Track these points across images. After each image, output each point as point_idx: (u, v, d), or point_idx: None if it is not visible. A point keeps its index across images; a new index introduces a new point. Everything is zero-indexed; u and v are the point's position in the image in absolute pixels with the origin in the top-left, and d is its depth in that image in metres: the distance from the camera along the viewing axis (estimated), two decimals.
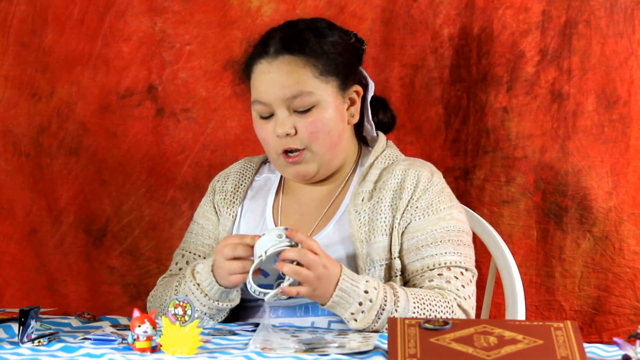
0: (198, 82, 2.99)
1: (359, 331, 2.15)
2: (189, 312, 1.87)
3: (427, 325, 1.87)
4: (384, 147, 2.42)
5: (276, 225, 2.38)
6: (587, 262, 2.82)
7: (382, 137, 2.44)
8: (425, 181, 2.32)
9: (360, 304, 2.11)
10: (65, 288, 3.05)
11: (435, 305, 2.18)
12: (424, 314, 2.16)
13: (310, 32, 2.36)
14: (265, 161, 2.53)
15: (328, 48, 2.34)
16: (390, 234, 2.28)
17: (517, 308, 2.52)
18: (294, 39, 2.34)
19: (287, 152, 2.33)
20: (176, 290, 2.29)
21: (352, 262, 2.28)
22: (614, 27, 2.79)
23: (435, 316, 2.17)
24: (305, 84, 2.30)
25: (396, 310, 2.13)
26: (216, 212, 2.46)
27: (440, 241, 2.27)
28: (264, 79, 2.32)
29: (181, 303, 1.87)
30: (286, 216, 2.40)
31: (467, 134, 2.88)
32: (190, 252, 2.46)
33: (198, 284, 2.23)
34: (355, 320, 2.12)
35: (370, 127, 2.45)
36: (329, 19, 2.57)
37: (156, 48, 3.00)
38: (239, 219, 2.43)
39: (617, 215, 2.80)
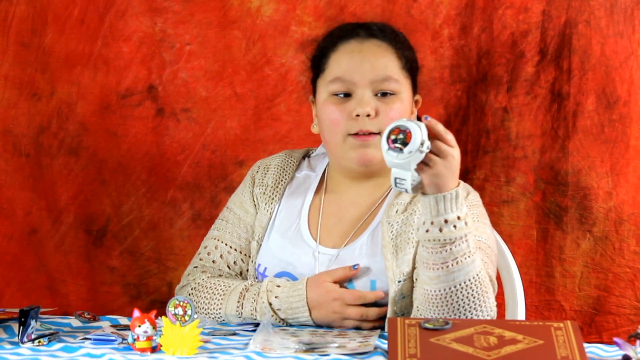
0: (198, 82, 2.99)
1: (360, 329, 2.16)
2: (189, 312, 1.86)
3: (427, 325, 1.87)
4: None
5: (310, 233, 2.36)
6: (587, 262, 2.83)
7: None
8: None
9: (459, 218, 2.05)
10: (65, 288, 3.05)
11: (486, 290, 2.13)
12: (477, 288, 2.10)
13: (397, 31, 2.40)
14: (305, 156, 2.50)
15: (410, 50, 2.39)
16: (416, 245, 2.20)
17: (517, 308, 2.52)
18: (385, 28, 2.37)
19: (357, 133, 2.30)
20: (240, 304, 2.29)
21: (382, 275, 2.25)
22: (614, 27, 2.79)
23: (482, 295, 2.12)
24: (393, 71, 2.32)
25: (469, 256, 2.07)
26: (255, 205, 2.44)
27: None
28: (353, 57, 2.32)
29: (181, 303, 1.87)
30: (324, 218, 2.38)
31: (467, 134, 2.88)
32: (225, 244, 2.42)
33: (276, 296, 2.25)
34: (441, 230, 2.04)
35: None
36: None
37: (156, 48, 3.00)
38: (274, 215, 2.41)
39: (617, 215, 2.80)
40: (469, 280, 2.07)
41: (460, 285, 2.07)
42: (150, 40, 3.00)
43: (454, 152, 2.03)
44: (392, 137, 1.97)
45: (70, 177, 3.04)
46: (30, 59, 3.02)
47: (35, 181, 3.04)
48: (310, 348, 1.89)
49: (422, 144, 1.97)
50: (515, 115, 2.85)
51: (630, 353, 1.79)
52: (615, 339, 1.81)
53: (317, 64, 2.38)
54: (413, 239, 2.23)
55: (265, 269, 2.35)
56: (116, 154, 3.02)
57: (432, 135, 2.01)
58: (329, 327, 2.20)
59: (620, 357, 1.81)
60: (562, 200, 2.83)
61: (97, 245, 3.04)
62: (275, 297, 2.23)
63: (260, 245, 2.39)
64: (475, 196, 2.35)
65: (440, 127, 2.03)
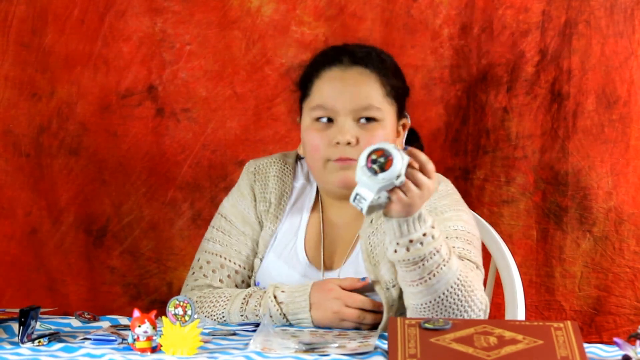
0: (198, 82, 2.99)
1: (363, 328, 2.17)
2: (189, 312, 1.86)
3: (427, 325, 1.87)
4: None
5: (306, 254, 2.35)
6: (587, 262, 2.83)
7: None
8: None
9: (424, 235, 2.03)
10: (65, 288, 3.05)
11: (473, 288, 2.13)
12: (461, 287, 2.09)
13: (384, 55, 2.37)
14: (297, 159, 2.48)
15: (396, 74, 2.36)
16: None
17: (517, 308, 2.52)
18: (371, 54, 2.35)
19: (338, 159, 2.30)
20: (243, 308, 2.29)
21: (372, 289, 2.25)
22: (614, 27, 2.79)
23: (472, 294, 2.12)
24: (375, 99, 2.29)
25: (444, 265, 2.05)
26: (259, 222, 2.41)
27: (447, 237, 2.19)
28: (335, 85, 2.31)
29: (181, 303, 1.87)
30: (318, 240, 2.37)
31: (467, 134, 2.88)
32: (231, 261, 2.39)
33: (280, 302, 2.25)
34: (408, 250, 2.03)
35: None
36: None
37: (156, 48, 3.00)
38: (277, 233, 2.39)
39: (617, 215, 2.80)
40: (451, 287, 2.07)
41: (443, 294, 2.07)
42: (150, 40, 3.00)
43: (430, 184, 2.02)
44: (373, 156, 1.97)
45: (70, 177, 3.04)
46: (30, 59, 3.02)
47: (35, 181, 3.04)
48: (310, 348, 1.89)
49: (397, 176, 1.97)
50: (515, 115, 2.85)
51: (630, 353, 1.79)
52: (615, 339, 1.81)
53: (303, 88, 2.37)
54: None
55: (263, 288, 2.34)
56: (116, 154, 3.02)
57: (411, 164, 2.00)
58: (328, 327, 2.20)
59: (620, 357, 1.81)
60: (562, 200, 2.83)
61: (97, 245, 3.04)
62: (282, 291, 2.24)
63: (261, 261, 2.38)
64: (446, 185, 2.34)
65: (422, 157, 2.02)
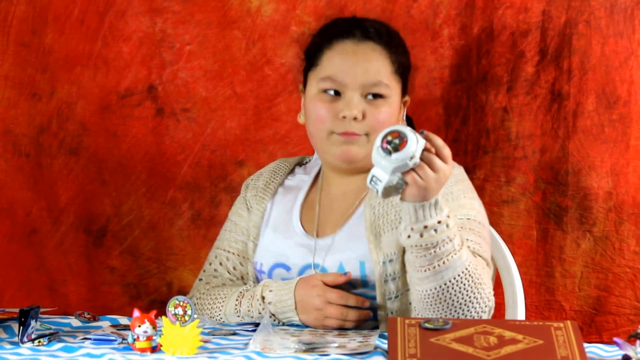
0: (198, 82, 2.99)
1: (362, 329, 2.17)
2: (189, 312, 1.87)
3: (427, 325, 1.87)
4: None
5: (302, 225, 2.38)
6: (587, 262, 2.83)
7: None
8: None
9: (440, 222, 2.04)
10: (65, 288, 3.05)
11: (480, 282, 2.13)
12: (470, 279, 2.10)
13: (393, 31, 2.41)
14: (300, 163, 2.52)
15: (404, 51, 2.40)
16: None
17: (517, 308, 2.52)
18: (382, 30, 2.38)
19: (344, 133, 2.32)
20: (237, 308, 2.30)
21: (366, 257, 2.27)
22: (614, 27, 2.79)
23: (479, 290, 2.12)
24: (384, 76, 2.32)
25: (455, 254, 2.06)
26: (248, 208, 2.46)
27: (461, 227, 2.20)
28: (346, 58, 2.33)
29: (181, 303, 1.87)
30: (316, 210, 2.39)
31: (467, 134, 2.88)
32: (223, 250, 2.45)
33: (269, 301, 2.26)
34: (421, 235, 2.04)
35: None
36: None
37: (156, 48, 3.00)
38: (268, 213, 2.43)
39: (617, 215, 2.80)
40: (458, 275, 2.08)
41: (450, 282, 2.08)
42: (150, 40, 3.00)
43: (447, 169, 2.02)
44: (389, 138, 1.98)
45: (70, 177, 3.04)
46: (30, 59, 3.02)
47: (35, 181, 3.04)
48: (310, 348, 1.89)
49: (411, 157, 1.97)
50: (515, 115, 2.85)
51: (630, 353, 1.79)
52: (615, 339, 1.81)
53: (311, 57, 2.39)
54: (394, 222, 2.24)
55: (262, 264, 2.36)
56: (116, 154, 3.02)
57: (428, 148, 2.00)
58: (315, 326, 2.20)
59: (620, 357, 1.81)
60: (562, 200, 2.83)
61: (97, 245, 3.04)
62: (270, 290, 2.25)
63: (256, 244, 2.40)
64: (459, 170, 2.35)
65: (438, 142, 2.02)
